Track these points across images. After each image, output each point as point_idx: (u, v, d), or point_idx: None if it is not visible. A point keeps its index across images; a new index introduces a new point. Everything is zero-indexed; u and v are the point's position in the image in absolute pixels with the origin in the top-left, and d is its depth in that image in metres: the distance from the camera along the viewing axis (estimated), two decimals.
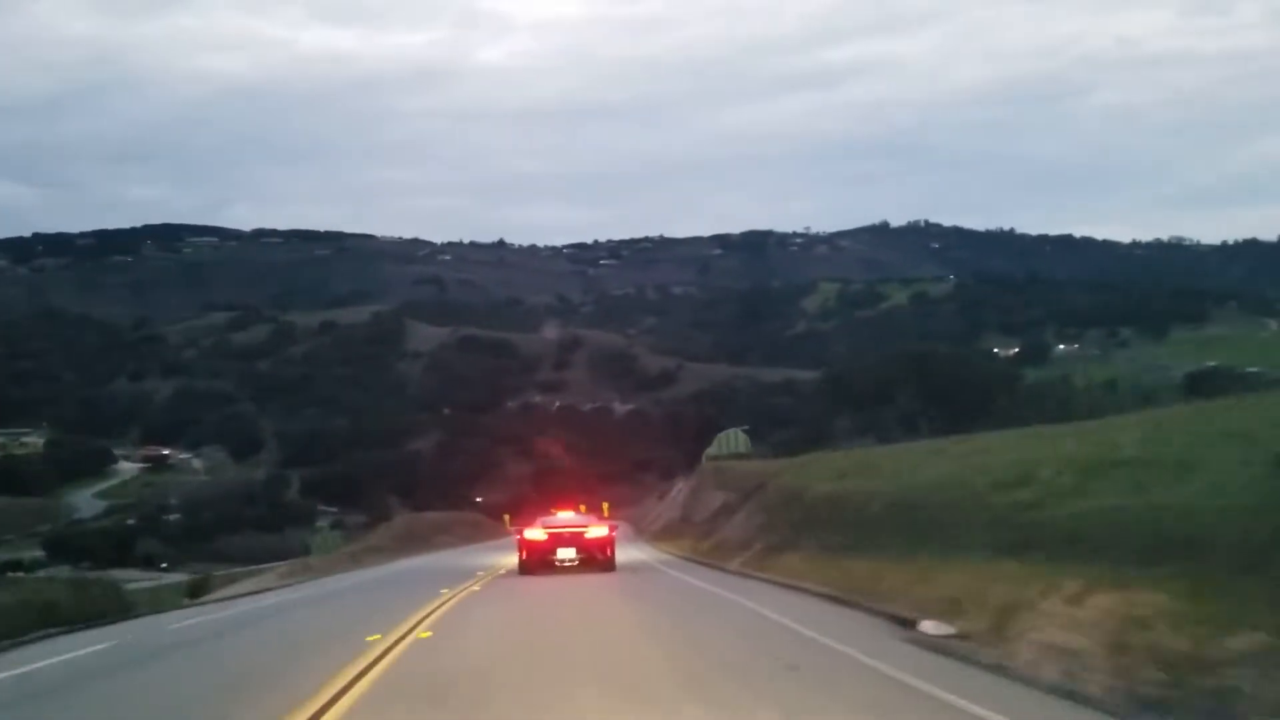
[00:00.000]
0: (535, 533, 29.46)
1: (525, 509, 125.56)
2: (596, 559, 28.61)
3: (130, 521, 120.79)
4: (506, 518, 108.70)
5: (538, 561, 28.58)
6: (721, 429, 67.75)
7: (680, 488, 62.65)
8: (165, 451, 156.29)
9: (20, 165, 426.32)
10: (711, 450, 63.26)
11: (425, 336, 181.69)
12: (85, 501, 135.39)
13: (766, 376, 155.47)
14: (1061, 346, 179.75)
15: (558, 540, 28.81)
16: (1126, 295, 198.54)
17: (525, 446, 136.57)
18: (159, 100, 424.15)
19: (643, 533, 64.76)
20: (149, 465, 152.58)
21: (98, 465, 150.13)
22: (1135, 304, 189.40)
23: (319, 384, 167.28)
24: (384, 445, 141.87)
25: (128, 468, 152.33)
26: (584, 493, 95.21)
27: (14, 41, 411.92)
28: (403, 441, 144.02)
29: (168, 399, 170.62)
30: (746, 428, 69.54)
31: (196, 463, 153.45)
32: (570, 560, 28.38)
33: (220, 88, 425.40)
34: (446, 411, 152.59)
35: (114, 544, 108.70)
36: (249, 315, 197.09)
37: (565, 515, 32.46)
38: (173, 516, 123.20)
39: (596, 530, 29.69)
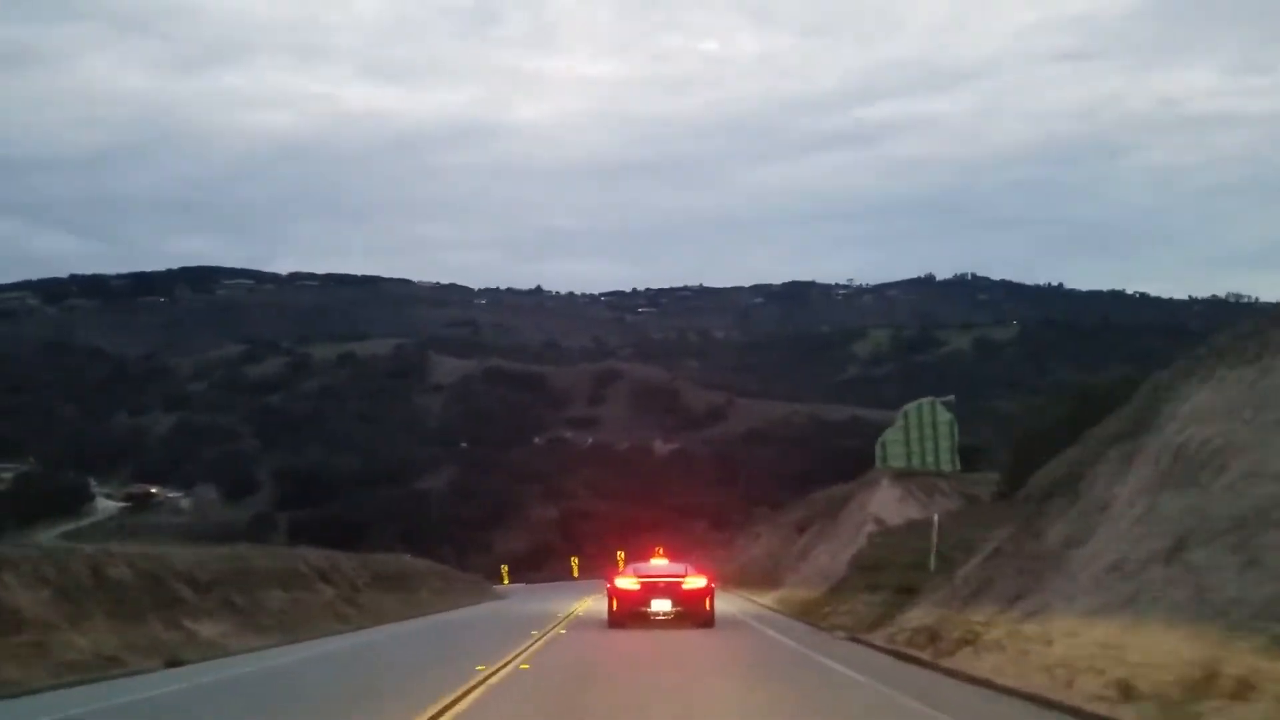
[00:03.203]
0: (627, 581, 25.57)
1: (549, 559, 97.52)
2: (694, 613, 24.61)
3: None
4: (504, 570, 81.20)
5: (629, 613, 24.95)
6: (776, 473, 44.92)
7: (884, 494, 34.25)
8: (152, 490, 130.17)
9: (67, 217, 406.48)
10: (891, 436, 36.76)
11: (449, 369, 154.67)
12: (47, 544, 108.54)
13: (829, 414, 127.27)
14: None
15: (651, 590, 24.96)
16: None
17: (551, 486, 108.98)
18: (204, 155, 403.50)
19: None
20: (131, 505, 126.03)
21: (73, 504, 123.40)
22: None
23: (332, 419, 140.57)
24: (393, 484, 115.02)
25: (107, 507, 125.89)
26: (622, 543, 68.78)
27: (67, 97, 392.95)
28: (414, 480, 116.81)
29: (165, 434, 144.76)
30: (950, 399, 42.16)
31: (184, 503, 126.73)
32: (665, 613, 24.57)
33: (265, 144, 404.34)
34: (463, 445, 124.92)
35: None
36: (264, 348, 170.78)
37: (659, 563, 28.83)
38: None
39: (694, 580, 25.14)
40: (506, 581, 71.40)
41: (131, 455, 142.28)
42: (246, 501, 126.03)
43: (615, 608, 25.45)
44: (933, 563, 22.13)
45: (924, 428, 37.65)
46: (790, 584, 33.86)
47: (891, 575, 23.67)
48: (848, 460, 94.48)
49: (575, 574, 74.29)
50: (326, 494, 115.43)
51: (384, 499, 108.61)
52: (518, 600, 48.22)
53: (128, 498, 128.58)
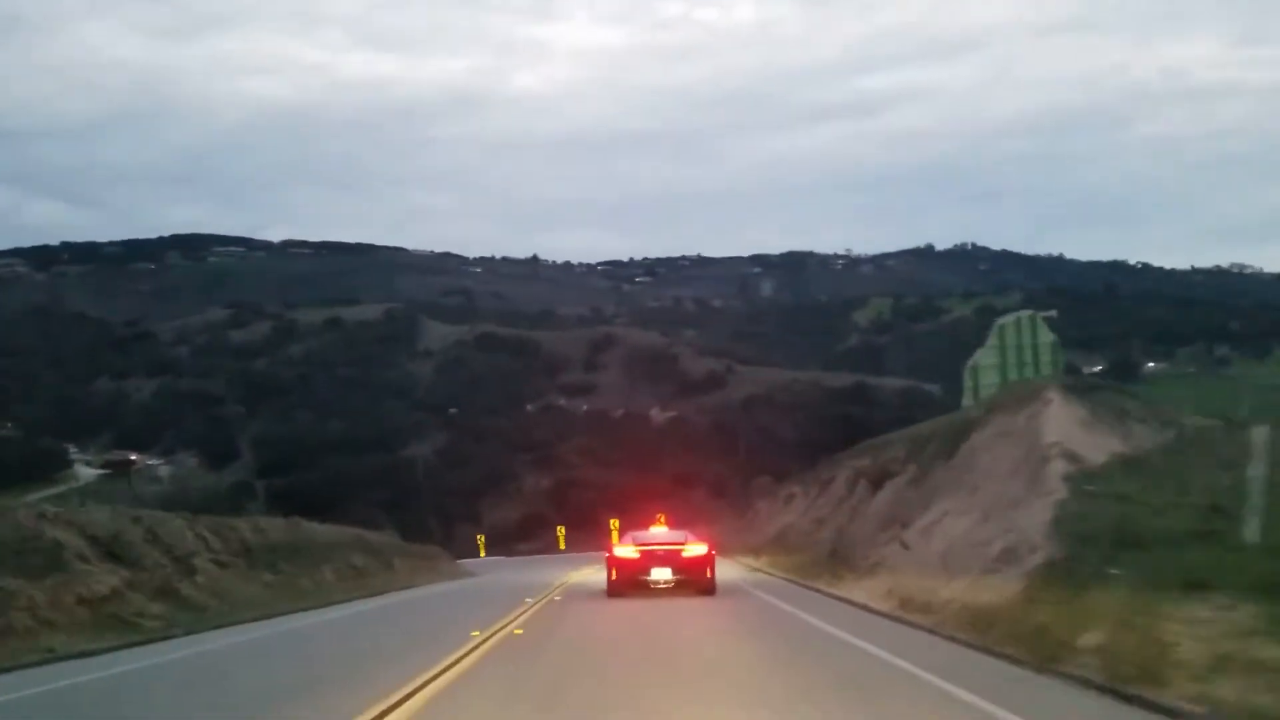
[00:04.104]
0: (626, 550, 24.63)
1: (540, 530, 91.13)
2: (695, 580, 23.89)
3: None
4: (480, 540, 75.10)
5: (628, 582, 24.17)
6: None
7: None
8: (131, 457, 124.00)
9: (61, 186, 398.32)
10: (984, 359, 30.60)
11: (440, 335, 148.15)
12: None
13: (832, 381, 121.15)
14: (1151, 364, 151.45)
15: (651, 559, 24.15)
16: (1212, 313, 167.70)
17: (544, 455, 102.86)
18: (199, 124, 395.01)
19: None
20: (109, 472, 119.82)
21: (47, 471, 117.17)
22: (1224, 322, 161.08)
23: (318, 385, 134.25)
24: (379, 451, 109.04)
25: (84, 474, 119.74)
26: (618, 512, 63.50)
27: (61, 65, 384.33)
28: (400, 448, 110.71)
29: (147, 400, 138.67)
30: (1052, 314, 36.17)
31: (163, 470, 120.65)
32: (666, 581, 23.84)
33: (260, 112, 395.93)
34: (452, 412, 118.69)
35: None
36: (249, 313, 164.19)
37: (659, 531, 28.26)
38: None
39: (694, 548, 24.40)
40: (483, 554, 64.94)
41: (113, 421, 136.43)
42: (229, 469, 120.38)
43: (614, 576, 24.68)
44: (1256, 528, 12.56)
45: (1023, 350, 31.68)
46: (896, 568, 21.44)
47: (1185, 553, 13.07)
48: (853, 426, 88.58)
49: (562, 545, 67.95)
50: (309, 461, 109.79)
51: (368, 467, 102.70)
52: (479, 580, 40.43)
53: (106, 465, 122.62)
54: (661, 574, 23.97)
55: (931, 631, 15.35)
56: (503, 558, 64.27)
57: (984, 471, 21.38)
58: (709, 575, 24.17)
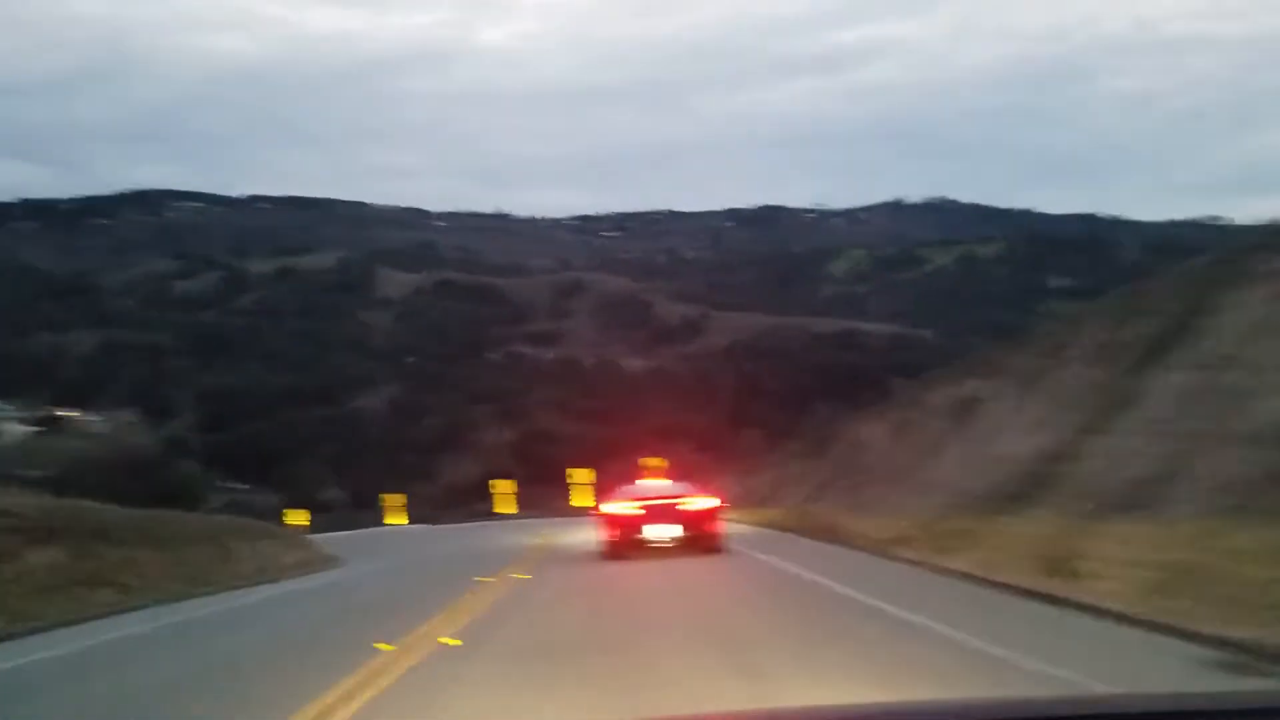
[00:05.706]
0: (621, 506, 21.15)
1: (466, 490, 73.51)
2: (700, 536, 20.41)
3: None
4: (398, 502, 62.47)
5: (625, 542, 20.64)
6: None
7: None
8: (74, 414, 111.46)
9: (21, 145, 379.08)
10: None
11: (399, 284, 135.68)
12: None
13: (818, 327, 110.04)
14: None
15: (650, 515, 20.56)
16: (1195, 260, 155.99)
17: (506, 406, 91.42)
18: (162, 81, 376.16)
19: None
20: (40, 430, 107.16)
21: None
22: None
23: (267, 336, 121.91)
24: (326, 404, 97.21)
25: (11, 432, 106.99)
26: (592, 465, 53.43)
27: (21, 20, 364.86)
28: (350, 400, 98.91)
29: (88, 354, 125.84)
30: None
31: (98, 427, 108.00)
32: (667, 540, 20.37)
33: (223, 68, 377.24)
34: (409, 360, 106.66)
35: None
36: (198, 263, 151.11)
37: (657, 483, 23.93)
38: None
39: (699, 501, 21.10)
40: (405, 519, 50.28)
41: (52, 377, 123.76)
42: (170, 425, 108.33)
43: (609, 537, 20.92)
44: None
45: None
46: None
47: None
48: (852, 372, 77.57)
49: (509, 507, 53.47)
50: (253, 415, 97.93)
51: (315, 420, 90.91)
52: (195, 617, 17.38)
53: (36, 423, 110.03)
54: (663, 532, 20.43)
55: None
56: (426, 526, 49.12)
57: None
58: (716, 531, 20.94)
